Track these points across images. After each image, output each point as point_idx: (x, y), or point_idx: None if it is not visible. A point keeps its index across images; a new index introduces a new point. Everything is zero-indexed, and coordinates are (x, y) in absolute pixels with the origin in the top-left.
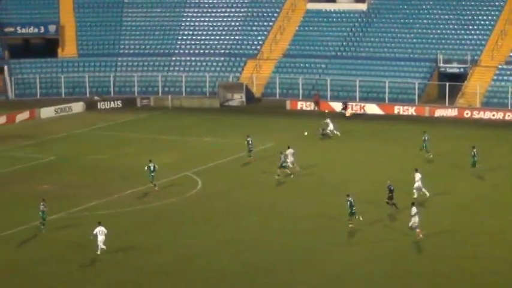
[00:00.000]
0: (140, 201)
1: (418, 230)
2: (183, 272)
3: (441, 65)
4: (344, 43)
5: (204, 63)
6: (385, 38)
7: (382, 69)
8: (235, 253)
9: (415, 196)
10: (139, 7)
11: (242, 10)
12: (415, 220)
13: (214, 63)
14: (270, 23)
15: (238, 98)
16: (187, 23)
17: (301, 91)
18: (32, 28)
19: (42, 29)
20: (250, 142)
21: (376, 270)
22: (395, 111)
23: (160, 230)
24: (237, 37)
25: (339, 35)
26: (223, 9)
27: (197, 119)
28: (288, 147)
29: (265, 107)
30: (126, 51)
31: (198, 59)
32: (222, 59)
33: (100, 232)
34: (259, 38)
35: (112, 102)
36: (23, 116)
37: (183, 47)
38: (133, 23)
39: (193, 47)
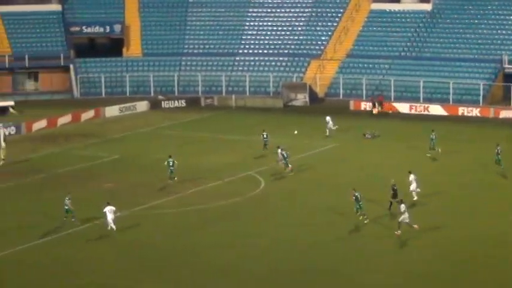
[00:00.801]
0: (203, 200)
1: (415, 226)
2: (245, 272)
3: (506, 66)
4: (408, 43)
5: (267, 63)
6: (450, 39)
7: (446, 70)
8: (298, 253)
9: (415, 198)
10: (203, 7)
11: (306, 10)
12: (405, 216)
13: (278, 63)
14: (334, 23)
15: (301, 98)
16: (251, 23)
17: (364, 91)
18: (97, 28)
19: (108, 29)
20: (265, 136)
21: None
22: (460, 112)
23: (223, 229)
24: (301, 37)
25: (403, 35)
26: (287, 9)
27: (260, 118)
28: (278, 147)
29: (329, 107)
30: (191, 51)
31: (261, 58)
32: (286, 59)
33: (109, 211)
34: (323, 38)
35: (176, 102)
36: (88, 114)
37: (247, 46)
38: (198, 23)
39: (257, 46)
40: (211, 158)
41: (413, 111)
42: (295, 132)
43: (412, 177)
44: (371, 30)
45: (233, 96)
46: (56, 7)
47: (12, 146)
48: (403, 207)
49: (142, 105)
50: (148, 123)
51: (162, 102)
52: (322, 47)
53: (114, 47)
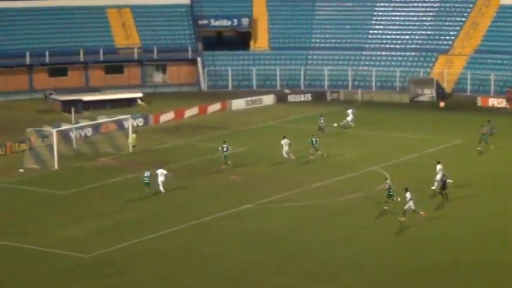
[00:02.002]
0: (328, 193)
1: (422, 212)
2: (369, 266)
3: None
4: None
5: (394, 58)
6: None
7: None
8: (421, 250)
9: (434, 187)
10: (331, 1)
11: (435, 5)
12: (411, 204)
13: (405, 58)
14: (463, 19)
15: (428, 94)
16: (379, 18)
17: (492, 87)
18: (225, 21)
19: (235, 22)
20: (322, 121)
21: None
22: None
23: (347, 223)
24: (428, 32)
25: None
26: (416, 4)
27: (387, 113)
28: (284, 137)
29: (456, 103)
30: (317, 45)
31: (388, 53)
32: (413, 54)
33: (160, 173)
34: (451, 33)
35: (302, 96)
36: (214, 107)
37: (374, 41)
38: (325, 17)
39: (384, 41)
40: (337, 152)
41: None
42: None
43: (439, 167)
44: (500, 25)
45: (359, 91)
46: (185, 0)
47: (139, 137)
48: (408, 195)
49: (268, 99)
50: (275, 117)
51: (288, 96)
52: (450, 42)
53: (241, 40)
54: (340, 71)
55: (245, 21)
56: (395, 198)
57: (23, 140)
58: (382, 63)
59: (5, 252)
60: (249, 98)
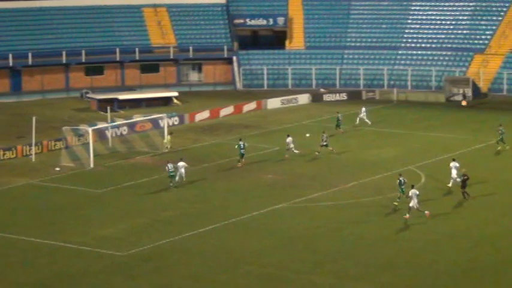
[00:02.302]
0: (361, 193)
1: (426, 212)
2: (406, 266)
3: None
4: None
5: (430, 57)
6: None
7: None
8: (460, 249)
9: (450, 185)
10: (367, 0)
11: (471, 4)
12: (415, 201)
13: (441, 58)
14: (499, 18)
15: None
16: (414, 17)
17: None
18: (261, 20)
19: (271, 21)
20: (339, 118)
21: None
22: None
23: (381, 223)
24: (464, 31)
25: None
26: (452, 3)
27: (422, 113)
28: (288, 136)
29: (492, 103)
30: (353, 44)
31: (424, 52)
32: (449, 53)
33: (181, 166)
34: (487, 32)
35: (337, 95)
36: (250, 106)
37: (409, 40)
38: (361, 16)
39: (419, 40)
40: (371, 152)
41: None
42: (307, 135)
43: (452, 164)
44: None
45: (395, 90)
46: (220, 0)
47: (174, 136)
48: (412, 192)
49: (303, 98)
50: (310, 116)
51: (324, 95)
52: (486, 42)
53: (277, 39)
54: (376, 70)
55: (281, 20)
56: (400, 195)
57: (59, 138)
58: (418, 62)
59: (42, 250)
60: (284, 97)
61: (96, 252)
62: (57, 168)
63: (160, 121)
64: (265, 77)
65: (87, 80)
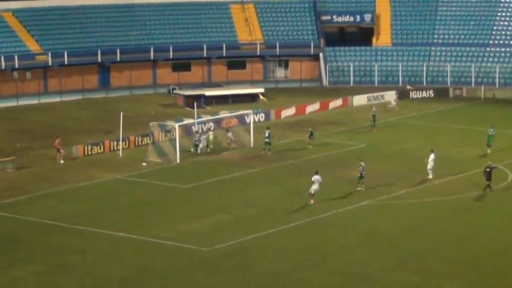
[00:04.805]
0: (448, 191)
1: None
2: (491, 264)
3: None
4: None
5: None
6: None
7: None
8: None
9: (430, 176)
10: None
11: None
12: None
13: None
14: None
15: None
16: (503, 13)
17: None
18: (347, 17)
19: (358, 18)
20: (266, 135)
21: None
22: None
23: (472, 220)
24: None
25: None
26: None
27: (510, 111)
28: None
29: None
30: (440, 41)
31: None
32: None
33: (316, 180)
34: None
35: (424, 92)
36: (336, 103)
37: (498, 37)
38: (448, 13)
39: (508, 37)
40: (458, 150)
41: None
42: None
43: (431, 157)
44: None
45: (482, 88)
46: None
47: (260, 132)
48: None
49: (390, 95)
50: (396, 113)
51: (410, 92)
52: None
53: (363, 36)
54: (464, 67)
55: (368, 17)
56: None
57: (146, 133)
58: (506, 59)
59: (128, 245)
60: (370, 94)
61: (180, 247)
62: (144, 164)
63: (246, 117)
64: (351, 73)
65: (174, 76)
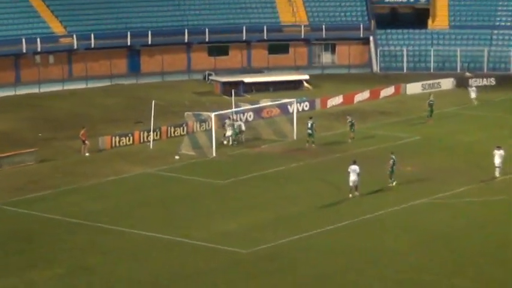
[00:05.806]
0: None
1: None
2: None
3: None
4: None
5: None
6: None
7: None
8: None
9: (497, 175)
10: None
11: None
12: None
13: None
14: None
15: None
16: None
17: None
18: None
19: None
20: (309, 125)
21: None
22: None
23: None
24: None
25: None
26: None
27: None
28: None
29: None
30: (503, 24)
31: None
32: None
33: (353, 170)
34: None
35: (485, 79)
36: (387, 91)
37: None
38: None
39: None
40: None
41: None
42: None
43: (497, 153)
44: None
45: None
46: None
47: (304, 123)
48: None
49: (447, 83)
50: (454, 103)
51: (470, 79)
52: None
53: (418, 18)
54: None
55: None
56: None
57: (179, 124)
58: None
59: (157, 245)
60: (425, 82)
61: (216, 249)
62: (177, 157)
63: (289, 107)
64: (404, 59)
65: (211, 60)
